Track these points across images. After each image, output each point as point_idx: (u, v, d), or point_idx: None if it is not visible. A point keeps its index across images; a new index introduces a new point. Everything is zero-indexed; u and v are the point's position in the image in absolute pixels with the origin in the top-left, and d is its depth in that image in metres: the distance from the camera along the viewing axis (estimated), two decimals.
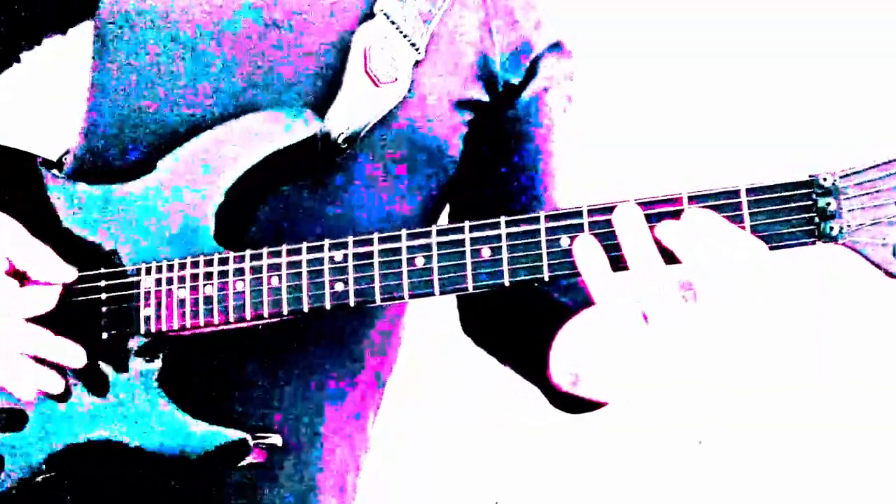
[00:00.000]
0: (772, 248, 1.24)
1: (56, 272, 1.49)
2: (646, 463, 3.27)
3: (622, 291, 1.29)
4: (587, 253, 1.31)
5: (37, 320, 1.49)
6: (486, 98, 1.62)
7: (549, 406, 1.61)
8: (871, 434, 3.27)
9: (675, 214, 1.27)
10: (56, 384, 1.49)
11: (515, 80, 1.63)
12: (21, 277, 1.49)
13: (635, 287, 1.28)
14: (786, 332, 3.13)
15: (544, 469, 3.31)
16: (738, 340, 1.29)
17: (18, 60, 1.79)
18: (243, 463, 1.48)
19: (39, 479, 1.50)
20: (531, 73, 1.64)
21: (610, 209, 1.30)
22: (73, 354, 1.48)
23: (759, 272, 1.25)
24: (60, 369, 1.49)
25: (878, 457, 3.26)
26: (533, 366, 1.58)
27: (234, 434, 1.46)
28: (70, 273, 1.50)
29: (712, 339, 1.27)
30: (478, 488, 3.30)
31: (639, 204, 1.29)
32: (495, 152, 1.66)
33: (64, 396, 1.50)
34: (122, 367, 1.49)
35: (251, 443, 1.46)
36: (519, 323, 1.63)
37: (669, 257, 1.28)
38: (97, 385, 1.49)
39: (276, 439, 1.51)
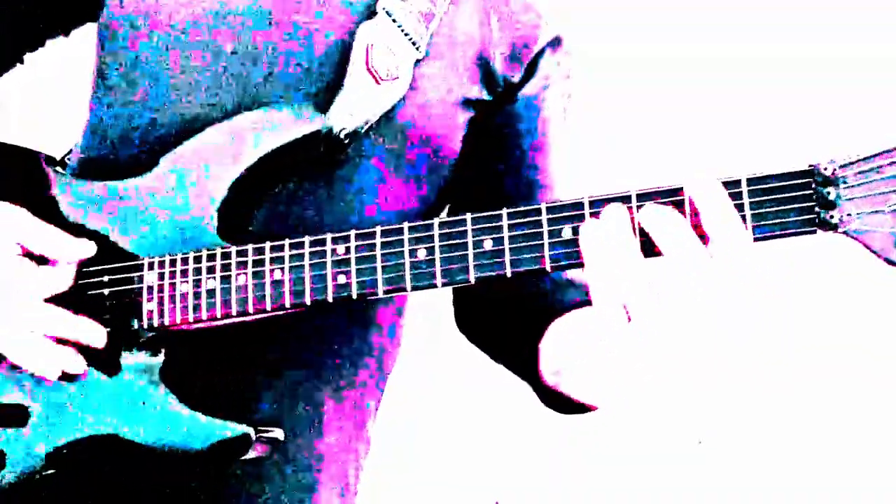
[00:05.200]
0: (772, 238, 1.24)
1: (73, 249, 1.49)
2: (646, 463, 3.27)
3: (615, 284, 1.26)
4: (590, 237, 1.29)
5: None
6: (486, 96, 1.63)
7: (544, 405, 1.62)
8: (872, 434, 3.27)
9: (677, 205, 1.28)
10: (78, 363, 1.48)
11: (515, 78, 1.64)
12: (35, 260, 1.49)
13: (622, 282, 1.26)
14: (785, 327, 3.12)
15: (544, 469, 3.31)
16: (722, 341, 1.26)
17: (22, 61, 1.80)
18: (245, 457, 1.48)
19: (42, 474, 1.50)
20: (531, 70, 1.65)
21: (611, 200, 1.30)
22: (95, 333, 1.48)
23: (742, 270, 1.22)
24: (80, 350, 1.48)
25: (879, 458, 3.26)
26: (524, 362, 1.58)
27: (238, 428, 1.46)
28: (88, 247, 1.50)
29: (694, 337, 1.25)
30: (478, 488, 3.29)
31: (639, 195, 1.29)
32: (496, 150, 1.66)
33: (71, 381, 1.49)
34: (125, 361, 1.49)
35: (254, 437, 1.47)
36: (511, 320, 1.63)
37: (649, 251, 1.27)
38: (100, 380, 1.49)
39: (278, 433, 1.51)
